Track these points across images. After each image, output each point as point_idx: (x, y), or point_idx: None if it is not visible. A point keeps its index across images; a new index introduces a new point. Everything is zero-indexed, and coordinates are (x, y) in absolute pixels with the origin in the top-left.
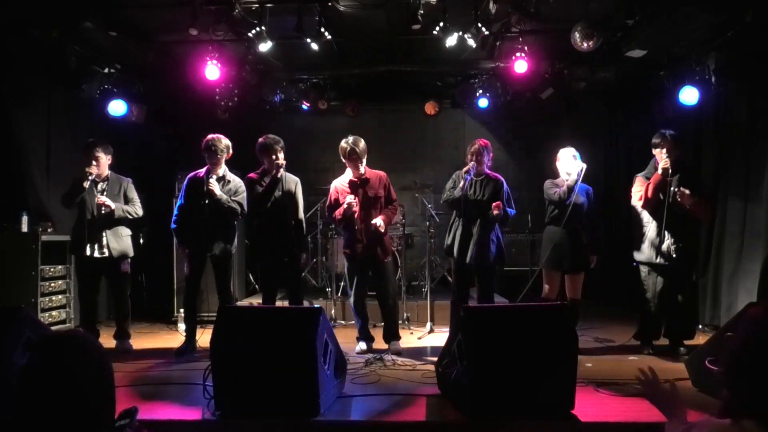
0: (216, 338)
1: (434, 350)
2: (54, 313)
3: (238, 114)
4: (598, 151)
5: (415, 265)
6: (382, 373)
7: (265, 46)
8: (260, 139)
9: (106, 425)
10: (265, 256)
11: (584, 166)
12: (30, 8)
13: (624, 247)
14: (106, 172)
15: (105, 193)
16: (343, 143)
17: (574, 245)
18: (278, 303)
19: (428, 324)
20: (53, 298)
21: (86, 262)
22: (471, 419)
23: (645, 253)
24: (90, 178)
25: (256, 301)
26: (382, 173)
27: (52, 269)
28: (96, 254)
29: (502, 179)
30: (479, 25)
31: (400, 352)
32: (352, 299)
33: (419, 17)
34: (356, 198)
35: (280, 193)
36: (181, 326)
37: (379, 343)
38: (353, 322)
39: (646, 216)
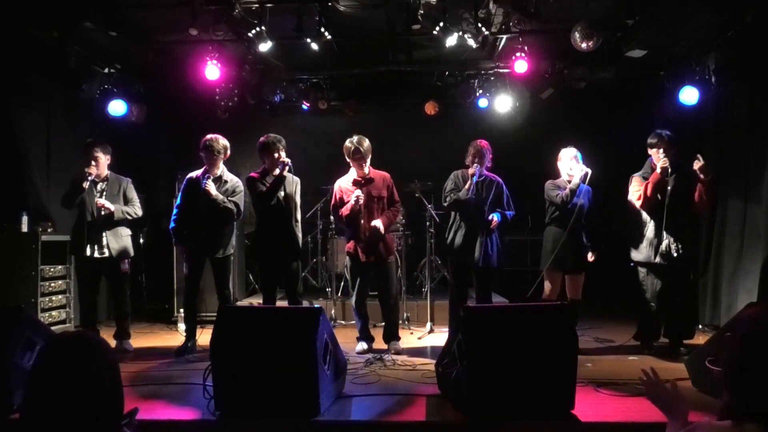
0: (216, 338)
1: (434, 350)
2: (54, 313)
3: (238, 114)
4: (598, 151)
5: (415, 266)
6: (382, 373)
7: (265, 46)
8: (261, 139)
9: (115, 425)
10: (265, 255)
11: (589, 171)
12: (30, 8)
13: (624, 248)
14: (105, 172)
15: (105, 193)
16: (347, 142)
17: (574, 246)
18: (278, 303)
19: (428, 324)
20: (53, 298)
21: (86, 262)
22: (471, 419)
23: (643, 253)
24: (89, 178)
25: (256, 301)
26: (385, 174)
27: (52, 269)
28: (96, 254)
29: (501, 181)
30: (479, 25)
31: (400, 352)
32: (354, 299)
33: (419, 17)
34: (361, 196)
35: (283, 192)
36: (181, 326)
37: (379, 343)
38: (353, 322)
39: (643, 216)
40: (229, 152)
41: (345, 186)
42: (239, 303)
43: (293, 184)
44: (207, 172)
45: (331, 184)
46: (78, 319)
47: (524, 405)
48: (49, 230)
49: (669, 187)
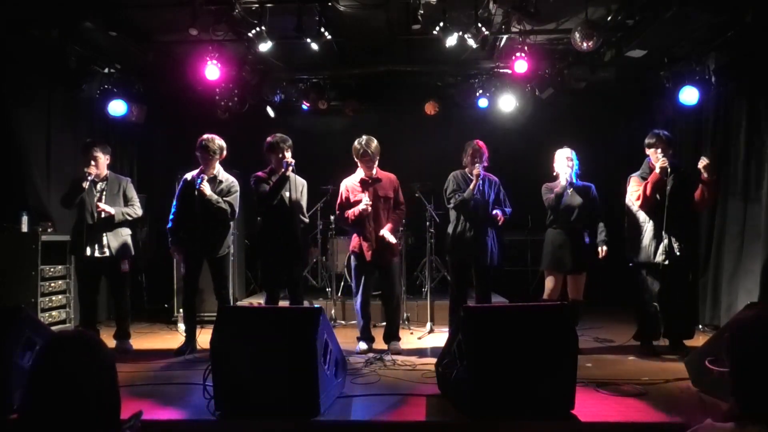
0: (216, 338)
1: (434, 350)
2: (54, 313)
3: (238, 114)
4: (598, 151)
5: (415, 266)
6: (382, 373)
7: (265, 46)
8: (268, 138)
9: (112, 425)
10: (267, 255)
11: (568, 174)
12: (30, 8)
13: (623, 247)
14: (104, 172)
15: (104, 193)
16: (356, 143)
17: (574, 246)
18: (280, 304)
19: (428, 324)
20: (53, 298)
21: (86, 262)
22: (471, 419)
23: (643, 253)
24: (89, 178)
25: (257, 301)
26: (392, 176)
27: (52, 269)
28: (96, 254)
29: (497, 179)
30: (479, 25)
31: (400, 352)
32: (358, 299)
33: (419, 17)
34: (369, 199)
35: (287, 193)
36: (181, 326)
37: (379, 343)
38: (353, 322)
39: (642, 216)
40: (225, 152)
41: (351, 185)
42: (239, 303)
43: (299, 186)
44: (202, 173)
45: (331, 185)
46: (78, 319)
47: (524, 405)
48: (49, 230)
49: (668, 187)
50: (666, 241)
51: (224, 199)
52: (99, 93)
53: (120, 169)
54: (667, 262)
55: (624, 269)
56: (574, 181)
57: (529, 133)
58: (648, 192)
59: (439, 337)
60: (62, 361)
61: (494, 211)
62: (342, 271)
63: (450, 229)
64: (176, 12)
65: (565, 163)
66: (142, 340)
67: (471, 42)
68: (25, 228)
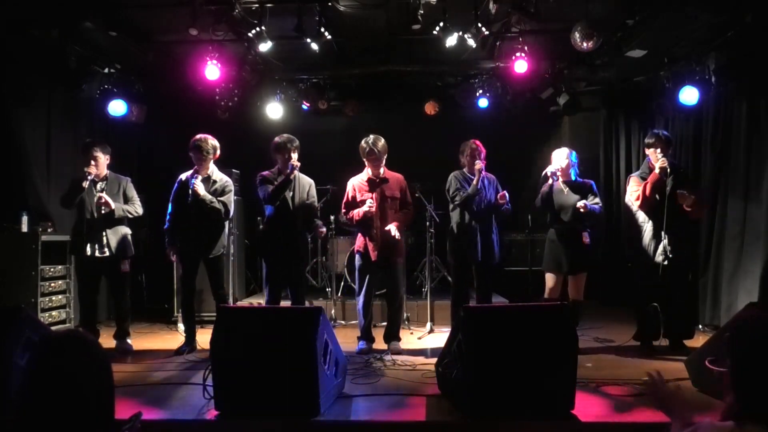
0: (216, 338)
1: (434, 350)
2: (54, 313)
3: (238, 114)
4: (598, 151)
5: (415, 266)
6: (382, 373)
7: (265, 46)
8: (276, 139)
9: (106, 425)
10: (269, 255)
11: (550, 172)
12: (30, 8)
13: (623, 247)
14: (104, 171)
15: (104, 192)
16: (363, 143)
17: (572, 246)
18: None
19: (428, 324)
20: (53, 298)
21: (86, 262)
22: (471, 419)
23: (643, 253)
24: (89, 178)
25: (257, 301)
26: (400, 176)
27: (52, 269)
28: (96, 253)
29: (494, 177)
30: (479, 25)
31: (400, 352)
32: (361, 299)
33: (419, 17)
34: (374, 199)
35: (291, 194)
36: (181, 326)
37: (379, 343)
38: (353, 322)
39: (642, 216)
40: (218, 152)
41: (359, 184)
42: (239, 303)
43: (305, 187)
44: (196, 173)
45: (331, 184)
46: (78, 319)
47: (524, 405)
48: (49, 230)
49: (668, 188)
50: (665, 241)
51: (218, 198)
52: (99, 93)
53: (120, 169)
54: (666, 263)
55: (624, 269)
56: (573, 179)
57: (528, 133)
58: (647, 192)
59: (439, 337)
60: (57, 361)
61: (500, 192)
62: (342, 271)
63: (452, 228)
64: (176, 12)
65: (558, 162)
66: (142, 340)
67: (471, 42)
68: (25, 228)
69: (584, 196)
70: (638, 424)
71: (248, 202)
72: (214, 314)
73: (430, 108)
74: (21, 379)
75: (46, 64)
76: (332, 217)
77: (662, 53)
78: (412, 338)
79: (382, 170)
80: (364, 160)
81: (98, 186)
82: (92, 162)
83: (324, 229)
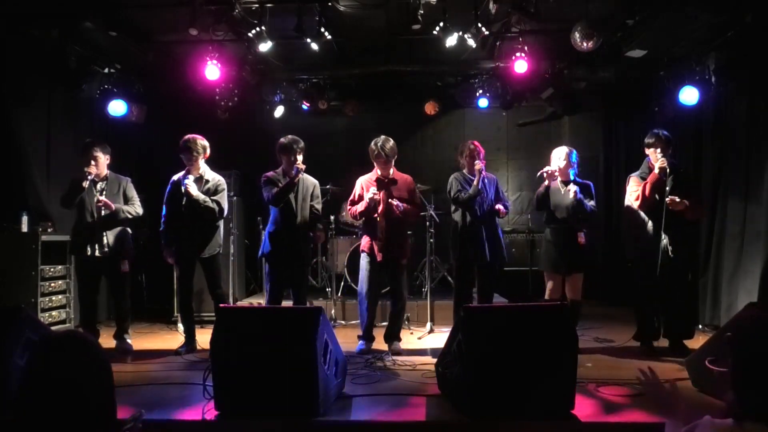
0: (216, 338)
1: (434, 350)
2: (54, 313)
3: (238, 114)
4: (598, 151)
5: (415, 266)
6: (382, 373)
7: (265, 46)
8: (281, 140)
9: (107, 425)
10: (271, 256)
11: (547, 173)
12: (30, 8)
13: (623, 247)
14: (104, 171)
15: (104, 192)
16: (372, 144)
17: (567, 246)
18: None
19: (428, 324)
20: (53, 298)
21: (86, 262)
22: (471, 419)
23: (642, 253)
24: (89, 178)
25: (257, 301)
26: (409, 177)
27: (52, 269)
28: (97, 253)
29: (494, 177)
30: (479, 25)
31: (399, 353)
32: (364, 299)
33: (419, 17)
34: (381, 199)
35: (295, 195)
36: (181, 326)
37: (380, 343)
38: (353, 322)
39: (642, 216)
40: (208, 151)
41: (367, 183)
42: (239, 303)
43: (309, 188)
44: (188, 173)
45: (331, 184)
46: (78, 319)
47: (524, 405)
48: (49, 230)
49: (667, 188)
50: (665, 241)
51: (211, 198)
52: (99, 93)
53: (120, 169)
54: (666, 262)
55: (624, 269)
56: (572, 179)
57: (528, 133)
58: (647, 192)
59: (439, 337)
60: (57, 361)
61: (497, 206)
62: (342, 271)
63: (454, 229)
64: (176, 12)
65: (556, 161)
66: (142, 340)
67: (471, 42)
68: (25, 228)
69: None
70: (638, 424)
71: (248, 202)
72: (214, 314)
73: (430, 108)
74: (21, 379)
75: (46, 64)
76: (332, 217)
77: (662, 53)
78: (412, 338)
79: (391, 171)
80: (373, 161)
81: (98, 186)
82: (92, 162)
83: (322, 234)
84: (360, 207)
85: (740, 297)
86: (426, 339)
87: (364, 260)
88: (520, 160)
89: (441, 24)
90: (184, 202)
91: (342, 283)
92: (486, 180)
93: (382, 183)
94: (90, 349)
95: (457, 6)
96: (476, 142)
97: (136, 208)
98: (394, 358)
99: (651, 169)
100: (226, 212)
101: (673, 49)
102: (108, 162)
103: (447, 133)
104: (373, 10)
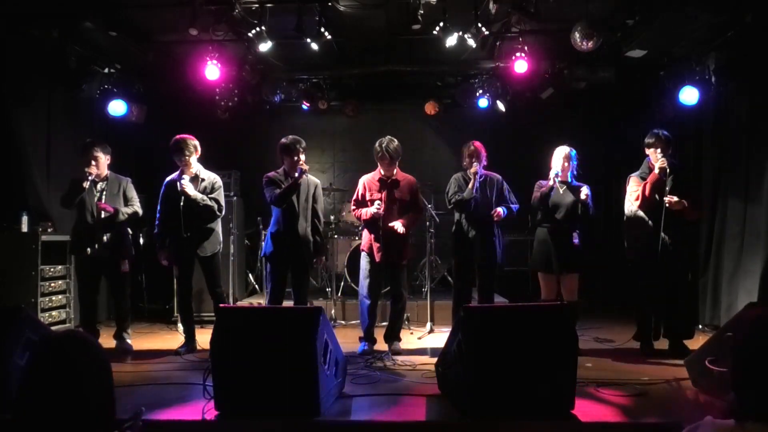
0: (216, 338)
1: (434, 350)
2: (54, 313)
3: (238, 114)
4: (598, 151)
5: (415, 266)
6: (383, 374)
7: (265, 46)
8: (282, 140)
9: (107, 425)
10: (272, 257)
11: (557, 173)
12: (30, 8)
13: (623, 247)
14: (105, 172)
15: (104, 192)
16: (376, 144)
17: (561, 246)
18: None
19: (428, 324)
20: (53, 298)
21: (86, 261)
22: (471, 419)
23: (642, 253)
24: (89, 178)
25: (257, 301)
26: (412, 178)
27: (52, 269)
28: (96, 254)
29: (500, 176)
30: (479, 25)
31: (399, 353)
32: (365, 300)
33: (419, 17)
34: (382, 200)
35: (296, 195)
36: (181, 326)
37: (380, 344)
38: (353, 322)
39: (642, 216)
40: (199, 150)
41: (369, 182)
42: (239, 303)
43: (311, 188)
44: (182, 173)
45: (331, 185)
46: (78, 319)
47: (524, 405)
48: (49, 230)
49: (667, 188)
50: (665, 240)
51: (209, 196)
52: (99, 93)
53: (120, 169)
54: (665, 262)
55: (623, 269)
56: (569, 180)
57: (529, 133)
58: (647, 192)
59: (439, 337)
60: (57, 361)
61: (495, 210)
62: (342, 271)
63: (455, 229)
64: (176, 12)
65: (560, 161)
66: (142, 340)
67: (471, 42)
68: (25, 228)
69: (577, 198)
70: (638, 424)
71: (248, 202)
72: (214, 314)
73: (430, 108)
74: (21, 379)
75: (46, 64)
76: (332, 217)
77: (662, 53)
78: (412, 338)
79: (395, 171)
80: (377, 161)
81: (98, 186)
82: (93, 162)
83: (322, 260)
84: (364, 215)
85: (740, 297)
86: (426, 339)
87: (364, 260)
88: (520, 161)
89: (441, 24)
90: (182, 203)
91: (342, 283)
92: (487, 181)
93: (385, 183)
94: (90, 349)
95: (457, 6)
96: (478, 143)
97: (136, 208)
98: (394, 358)
99: (651, 169)
100: (224, 210)
101: (673, 49)
102: (108, 162)
103: (447, 133)
104: (373, 10)
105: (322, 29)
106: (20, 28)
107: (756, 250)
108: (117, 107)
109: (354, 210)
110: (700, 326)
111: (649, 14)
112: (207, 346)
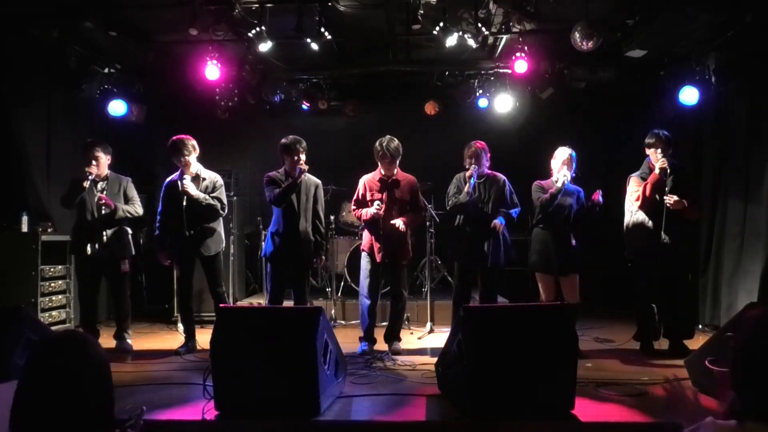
0: (216, 338)
1: (434, 350)
2: (54, 313)
3: (238, 114)
4: (598, 151)
5: (415, 266)
6: (382, 373)
7: (265, 46)
8: (282, 140)
9: (107, 425)
10: (272, 257)
11: (568, 176)
12: (30, 8)
13: (623, 248)
14: (105, 171)
15: (105, 192)
16: (376, 144)
17: (561, 247)
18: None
19: (428, 324)
20: (53, 298)
21: (86, 261)
22: (471, 419)
23: (642, 253)
24: (90, 178)
25: (257, 301)
26: (413, 178)
27: (52, 269)
28: (96, 254)
29: (504, 177)
30: (479, 25)
31: (399, 353)
32: (365, 299)
33: (419, 17)
34: (383, 200)
35: (297, 195)
36: (181, 326)
37: (380, 343)
38: (353, 322)
39: (641, 216)
40: (197, 149)
41: (370, 182)
42: (239, 303)
43: (311, 188)
44: (183, 173)
45: (332, 184)
46: (78, 319)
47: (524, 405)
48: (49, 230)
49: (667, 188)
50: (665, 241)
51: (211, 195)
52: (99, 93)
53: (120, 169)
54: (666, 263)
55: (623, 269)
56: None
57: (528, 133)
58: (647, 192)
59: (439, 337)
60: (57, 361)
61: (492, 224)
62: (342, 271)
63: (455, 229)
64: (176, 12)
65: (564, 165)
66: (142, 340)
67: (471, 42)
68: (25, 228)
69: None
70: (638, 424)
71: (248, 202)
72: (214, 314)
73: (430, 108)
74: (21, 379)
75: (46, 64)
76: (332, 217)
77: (662, 53)
78: (412, 338)
79: (395, 171)
80: (378, 161)
81: (99, 186)
82: (93, 162)
83: (322, 260)
84: (364, 216)
85: (740, 297)
86: (426, 339)
87: (364, 260)
88: (519, 161)
89: (441, 24)
90: (184, 203)
91: (342, 283)
92: (487, 182)
93: (385, 183)
94: (90, 349)
95: (457, 6)
96: (480, 143)
97: (137, 208)
98: (394, 358)
99: (651, 169)
100: (227, 208)
101: (673, 49)
102: (109, 162)
103: (447, 133)
104: (373, 10)
105: (322, 29)
106: (20, 28)
107: (756, 250)
108: (117, 107)
109: (354, 210)
110: (700, 326)
111: (649, 14)
112: (207, 346)
